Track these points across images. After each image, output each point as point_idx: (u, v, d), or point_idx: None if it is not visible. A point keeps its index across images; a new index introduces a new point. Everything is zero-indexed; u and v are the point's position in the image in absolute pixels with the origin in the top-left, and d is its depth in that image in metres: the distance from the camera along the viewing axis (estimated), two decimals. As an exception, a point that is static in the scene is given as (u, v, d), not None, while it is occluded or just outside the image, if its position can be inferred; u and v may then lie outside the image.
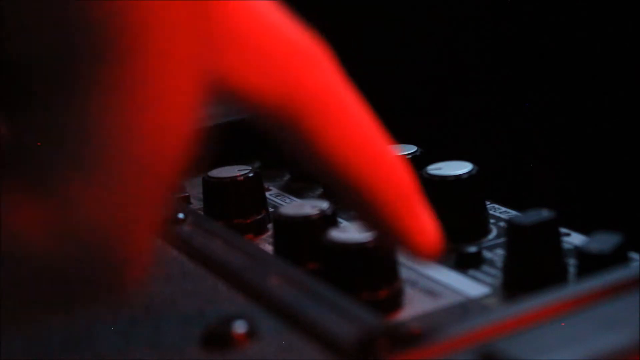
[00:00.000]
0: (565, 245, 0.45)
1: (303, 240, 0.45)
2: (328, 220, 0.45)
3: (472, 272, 0.45)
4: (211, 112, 0.70)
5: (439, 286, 0.44)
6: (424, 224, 0.35)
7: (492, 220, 0.49)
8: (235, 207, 0.52)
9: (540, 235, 0.42)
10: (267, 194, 0.57)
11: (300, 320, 0.37)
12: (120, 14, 0.27)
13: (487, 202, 0.50)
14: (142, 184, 0.28)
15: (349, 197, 0.34)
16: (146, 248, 0.29)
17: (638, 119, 0.56)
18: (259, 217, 0.52)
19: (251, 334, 0.36)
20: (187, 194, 0.58)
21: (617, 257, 0.40)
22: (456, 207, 0.48)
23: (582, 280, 0.38)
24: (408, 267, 0.46)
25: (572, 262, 0.43)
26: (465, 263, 0.45)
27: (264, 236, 0.52)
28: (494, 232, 0.48)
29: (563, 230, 0.46)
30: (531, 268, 0.42)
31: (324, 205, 0.46)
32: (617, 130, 0.58)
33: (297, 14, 0.38)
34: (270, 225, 0.52)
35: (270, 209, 0.53)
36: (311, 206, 0.46)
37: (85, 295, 0.30)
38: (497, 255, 0.46)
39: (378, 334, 0.34)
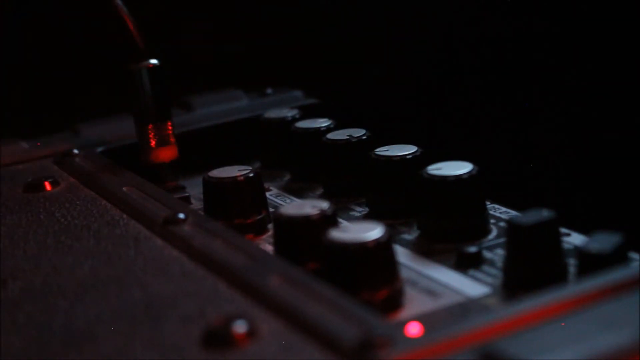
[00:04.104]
0: (565, 245, 0.45)
1: (303, 240, 0.45)
2: (328, 220, 0.45)
3: (472, 272, 0.45)
4: (212, 113, 0.71)
5: (439, 286, 0.44)
6: None
7: (492, 220, 0.49)
8: (236, 207, 0.52)
9: (540, 235, 0.42)
10: (267, 194, 0.57)
11: (300, 320, 0.37)
12: None
13: (487, 202, 0.50)
14: None
15: None
16: None
17: (638, 119, 0.56)
18: (259, 217, 0.52)
19: (251, 334, 0.36)
20: (187, 194, 0.58)
21: (617, 257, 0.40)
22: (456, 207, 0.48)
23: (582, 280, 0.38)
24: (408, 267, 0.46)
25: (572, 262, 0.43)
26: (465, 263, 0.45)
27: (264, 236, 0.52)
28: (494, 232, 0.48)
29: (563, 230, 0.46)
30: (531, 268, 0.42)
31: (324, 205, 0.46)
32: (617, 130, 0.58)
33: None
34: (270, 225, 0.52)
35: (271, 209, 0.53)
36: (311, 206, 0.46)
37: None
38: (497, 255, 0.46)
39: (378, 334, 0.34)
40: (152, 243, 0.47)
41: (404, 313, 0.42)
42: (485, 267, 0.45)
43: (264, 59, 0.85)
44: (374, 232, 0.42)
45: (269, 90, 0.71)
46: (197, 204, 0.57)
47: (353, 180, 0.55)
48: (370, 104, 0.74)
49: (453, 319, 0.41)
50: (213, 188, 0.53)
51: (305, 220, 0.45)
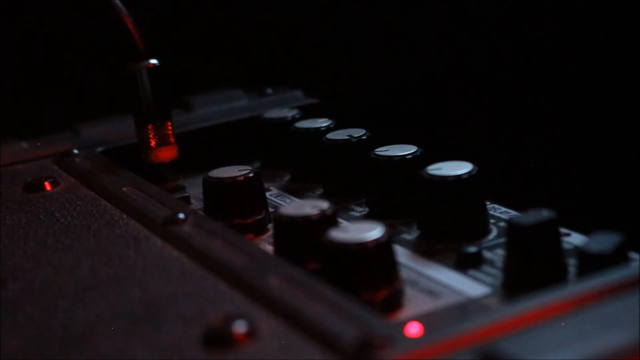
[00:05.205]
0: (565, 245, 0.45)
1: (303, 240, 0.45)
2: (328, 220, 0.45)
3: (472, 272, 0.45)
4: (212, 113, 0.71)
5: (439, 286, 0.44)
6: None
7: (492, 220, 0.49)
8: (236, 207, 0.52)
9: (540, 235, 0.42)
10: (267, 194, 0.57)
11: (300, 320, 0.37)
12: None
13: (487, 202, 0.50)
14: None
15: None
16: None
17: (638, 119, 0.56)
18: (259, 217, 0.52)
19: (251, 334, 0.36)
20: (187, 194, 0.58)
21: (617, 257, 0.40)
22: (456, 207, 0.48)
23: (582, 280, 0.38)
24: (408, 267, 0.46)
25: (572, 262, 0.43)
26: (465, 263, 0.45)
27: (264, 236, 0.52)
28: (494, 232, 0.48)
29: (563, 230, 0.46)
30: (531, 268, 0.42)
31: (324, 205, 0.46)
32: (617, 130, 0.58)
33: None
34: (270, 226, 0.52)
35: (271, 209, 0.53)
36: (311, 206, 0.46)
37: None
38: (497, 255, 0.46)
39: (378, 334, 0.34)
40: (152, 243, 0.47)
41: (404, 313, 0.42)
42: (485, 267, 0.45)
43: (264, 59, 0.86)
44: (374, 232, 0.42)
45: (269, 90, 0.71)
46: (197, 204, 0.57)
47: (353, 180, 0.55)
48: (370, 104, 0.74)
49: (453, 319, 0.41)
50: (213, 188, 0.53)
51: (305, 220, 0.45)
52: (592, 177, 0.58)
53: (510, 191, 0.53)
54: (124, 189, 0.53)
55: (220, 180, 0.52)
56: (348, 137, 0.55)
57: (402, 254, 0.47)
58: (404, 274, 0.44)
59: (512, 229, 0.42)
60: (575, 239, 0.46)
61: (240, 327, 0.36)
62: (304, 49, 0.82)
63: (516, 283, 0.42)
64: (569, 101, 0.60)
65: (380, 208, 0.52)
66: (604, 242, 0.40)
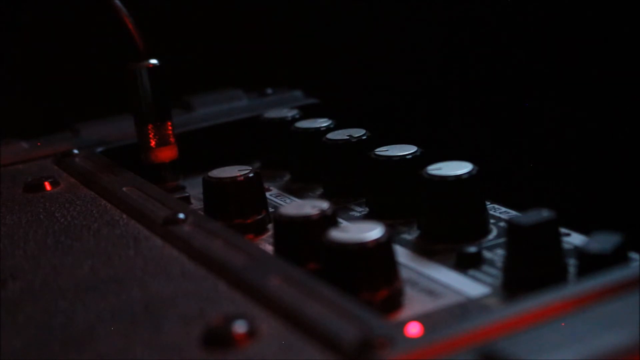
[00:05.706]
0: (565, 245, 0.45)
1: (303, 240, 0.45)
2: (328, 220, 0.45)
3: (472, 272, 0.45)
4: (212, 113, 0.71)
5: (439, 286, 0.44)
6: None
7: (492, 220, 0.49)
8: (236, 207, 0.52)
9: (540, 235, 0.42)
10: (267, 194, 0.57)
11: (300, 320, 0.37)
12: None
13: (487, 202, 0.50)
14: None
15: None
16: None
17: (638, 119, 0.56)
18: (259, 217, 0.52)
19: (251, 334, 0.36)
20: (187, 194, 0.58)
21: (617, 257, 0.40)
22: (456, 207, 0.48)
23: (582, 280, 0.38)
24: (408, 267, 0.46)
25: (572, 262, 0.43)
26: (465, 263, 0.45)
27: (264, 236, 0.52)
28: (494, 232, 0.48)
29: (563, 230, 0.46)
30: (531, 268, 0.42)
31: (324, 205, 0.46)
32: (617, 130, 0.58)
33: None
34: (270, 226, 0.52)
35: (271, 209, 0.53)
36: (311, 206, 0.46)
37: None
38: (497, 255, 0.46)
39: (378, 334, 0.34)
40: (152, 243, 0.47)
41: (404, 313, 0.42)
42: (485, 267, 0.45)
43: (264, 59, 0.86)
44: (374, 232, 0.42)
45: (269, 90, 0.71)
46: (197, 204, 0.57)
47: (353, 180, 0.55)
48: (370, 104, 0.74)
49: (453, 319, 0.41)
50: (213, 188, 0.53)
51: (305, 220, 0.45)
52: (592, 177, 0.58)
53: (510, 191, 0.53)
54: (124, 189, 0.53)
55: (220, 180, 0.52)
56: (348, 137, 0.55)
57: (402, 254, 0.47)
58: (404, 274, 0.44)
59: (512, 229, 0.42)
60: (575, 239, 0.46)
61: (240, 327, 0.36)
62: (304, 49, 0.82)
63: (516, 283, 0.42)
64: (568, 101, 0.60)
65: (380, 208, 0.52)
66: (604, 242, 0.40)
